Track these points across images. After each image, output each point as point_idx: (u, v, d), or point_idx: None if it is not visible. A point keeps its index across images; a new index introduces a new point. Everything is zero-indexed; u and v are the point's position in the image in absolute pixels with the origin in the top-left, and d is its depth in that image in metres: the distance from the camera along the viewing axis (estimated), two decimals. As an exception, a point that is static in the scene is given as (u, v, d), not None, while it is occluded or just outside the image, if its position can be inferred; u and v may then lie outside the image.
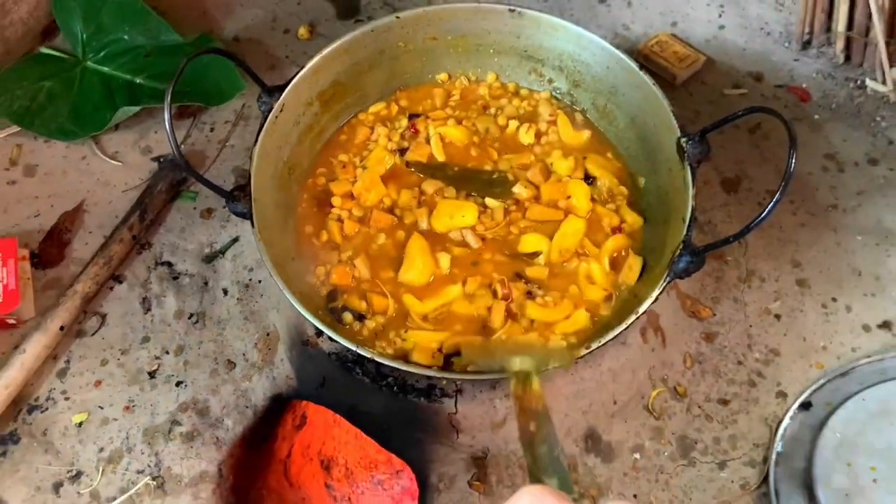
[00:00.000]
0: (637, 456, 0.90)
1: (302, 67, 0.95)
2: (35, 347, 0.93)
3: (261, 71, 1.05)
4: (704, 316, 0.99)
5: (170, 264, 1.04)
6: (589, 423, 0.91)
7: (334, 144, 1.02)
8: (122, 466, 0.89)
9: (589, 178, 0.97)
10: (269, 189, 0.91)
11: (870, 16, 1.12)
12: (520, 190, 0.95)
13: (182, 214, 1.08)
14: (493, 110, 1.05)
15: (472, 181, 0.97)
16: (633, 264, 0.90)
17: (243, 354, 0.97)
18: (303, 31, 1.27)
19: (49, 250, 1.04)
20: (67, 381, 0.95)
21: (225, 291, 1.01)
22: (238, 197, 0.86)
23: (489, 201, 0.95)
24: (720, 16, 1.29)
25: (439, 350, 0.85)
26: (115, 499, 0.87)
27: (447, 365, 0.84)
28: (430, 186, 0.96)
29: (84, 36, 1.17)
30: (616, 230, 0.93)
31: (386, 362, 0.80)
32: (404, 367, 0.80)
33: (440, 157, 0.99)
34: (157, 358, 0.97)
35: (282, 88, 0.93)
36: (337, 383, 0.91)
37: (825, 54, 1.23)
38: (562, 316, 0.87)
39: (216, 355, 0.97)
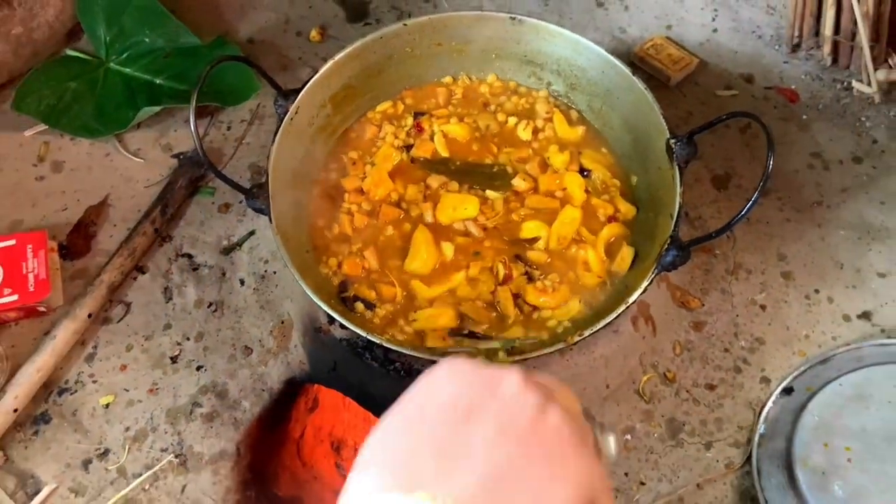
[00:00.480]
0: (628, 437, 0.93)
1: (315, 71, 0.96)
2: (64, 334, 0.95)
3: (274, 72, 1.05)
4: (693, 306, 1.01)
5: (190, 256, 1.06)
6: (582, 406, 0.93)
7: (345, 142, 1.04)
8: (146, 445, 0.92)
9: (584, 172, 0.99)
10: (284, 186, 0.92)
11: (856, 21, 1.12)
12: (518, 182, 0.97)
13: (201, 209, 1.10)
14: (493, 107, 1.06)
15: (473, 174, 0.99)
16: (626, 255, 0.92)
17: (259, 341, 0.99)
18: (314, 34, 1.28)
19: (76, 242, 1.06)
20: (95, 365, 0.97)
21: (242, 282, 1.04)
22: (257, 194, 0.88)
23: (490, 193, 0.97)
24: (713, 19, 1.30)
25: (449, 334, 0.87)
26: (140, 475, 0.90)
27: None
28: (434, 181, 0.98)
29: (107, 38, 1.18)
30: (611, 219, 0.95)
31: (394, 347, 0.81)
32: (410, 352, 0.83)
33: (444, 153, 1.01)
34: (178, 344, 0.99)
35: (297, 92, 0.94)
36: (347, 368, 0.93)
37: (813, 57, 1.24)
38: (557, 303, 0.89)
39: (234, 341, 0.99)
